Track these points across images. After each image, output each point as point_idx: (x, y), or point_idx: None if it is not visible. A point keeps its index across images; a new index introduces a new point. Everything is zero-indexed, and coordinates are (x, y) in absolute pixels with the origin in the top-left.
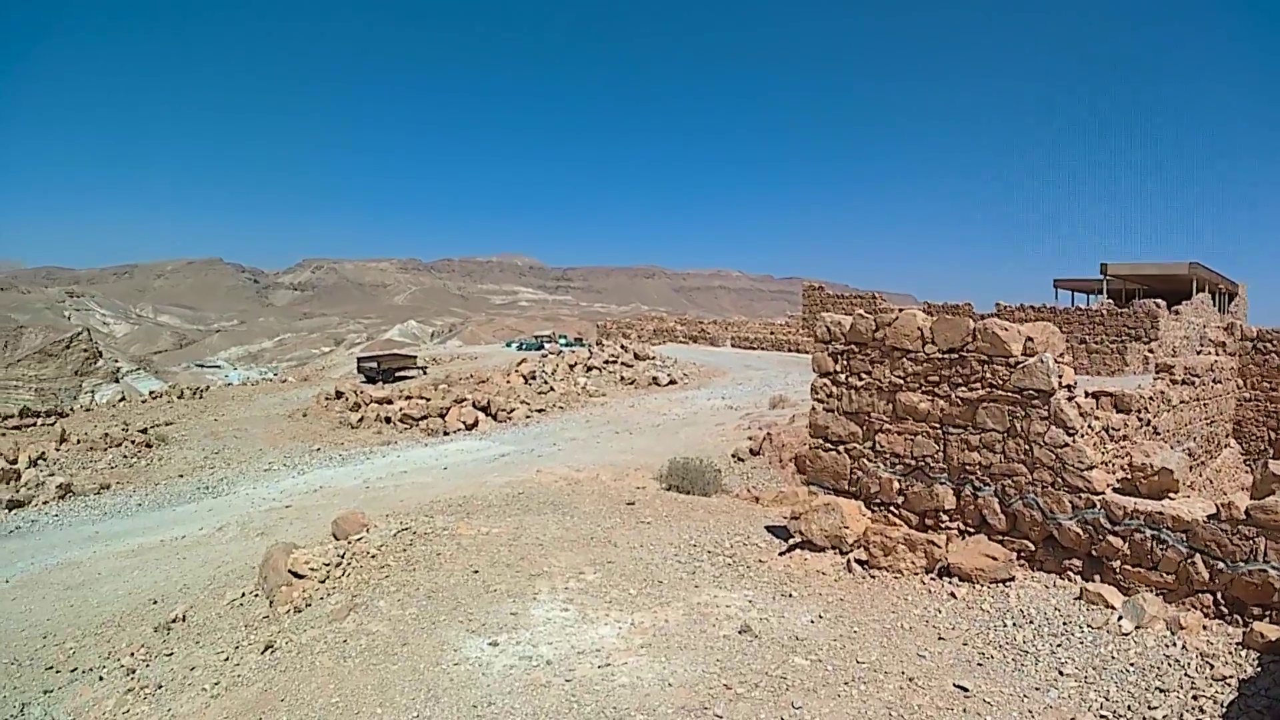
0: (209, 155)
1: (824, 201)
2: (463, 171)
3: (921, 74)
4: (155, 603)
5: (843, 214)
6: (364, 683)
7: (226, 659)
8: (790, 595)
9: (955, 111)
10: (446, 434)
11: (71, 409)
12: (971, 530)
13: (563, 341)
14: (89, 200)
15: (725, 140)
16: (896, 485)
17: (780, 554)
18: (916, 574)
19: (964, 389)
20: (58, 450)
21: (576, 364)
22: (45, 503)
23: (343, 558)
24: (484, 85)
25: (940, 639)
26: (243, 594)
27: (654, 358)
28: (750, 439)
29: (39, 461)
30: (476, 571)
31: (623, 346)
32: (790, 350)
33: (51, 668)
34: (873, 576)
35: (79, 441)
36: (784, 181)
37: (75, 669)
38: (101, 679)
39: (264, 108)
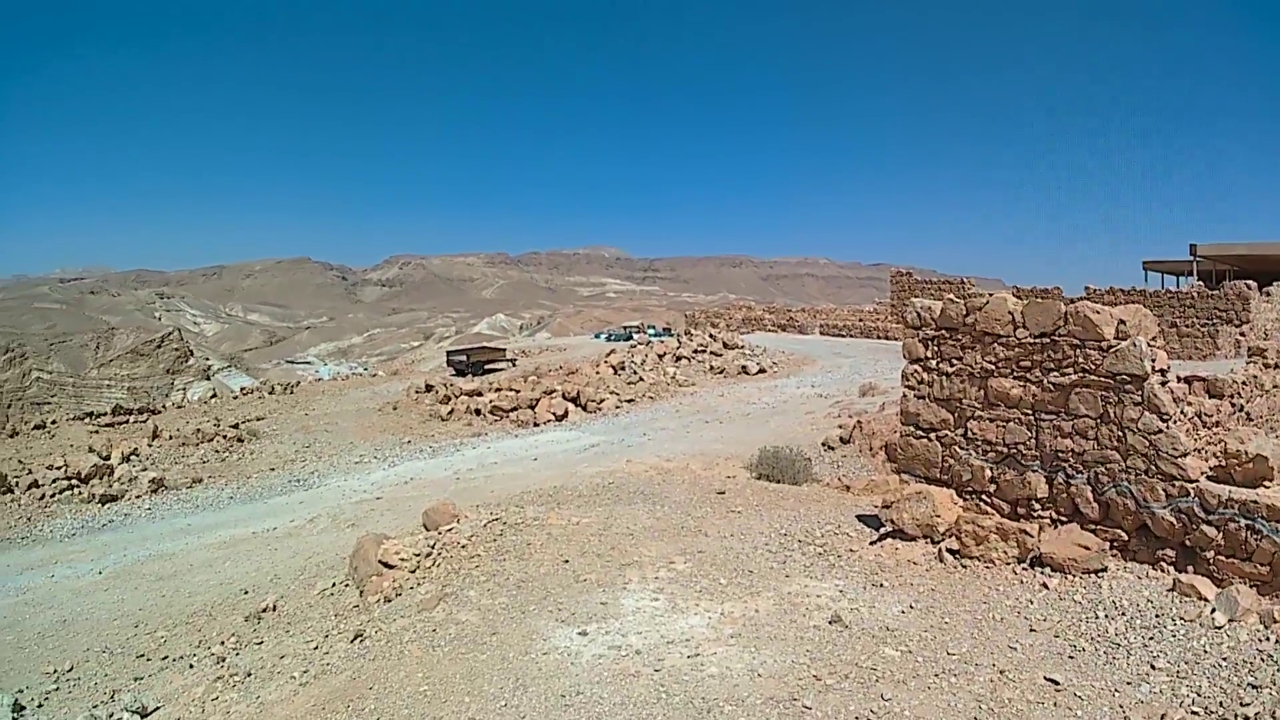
0: (297, 157)
1: (911, 187)
2: (549, 165)
3: (1007, 56)
4: (246, 593)
5: (929, 199)
6: (453, 671)
7: (316, 647)
8: (881, 585)
9: (1044, 94)
10: (536, 425)
11: (163, 406)
12: (1064, 519)
13: (651, 332)
14: (177, 204)
15: (812, 127)
16: (988, 473)
17: (871, 543)
18: (1008, 564)
19: (1056, 374)
20: (150, 446)
21: (665, 354)
22: (138, 497)
23: (433, 548)
24: (567, 80)
25: (1032, 630)
26: (333, 584)
27: (743, 346)
28: (840, 427)
29: (131, 457)
30: (567, 561)
31: (711, 336)
32: (879, 337)
33: (142, 655)
34: (964, 566)
35: (171, 437)
36: (871, 167)
37: (166, 657)
38: (192, 666)
39: (351, 107)
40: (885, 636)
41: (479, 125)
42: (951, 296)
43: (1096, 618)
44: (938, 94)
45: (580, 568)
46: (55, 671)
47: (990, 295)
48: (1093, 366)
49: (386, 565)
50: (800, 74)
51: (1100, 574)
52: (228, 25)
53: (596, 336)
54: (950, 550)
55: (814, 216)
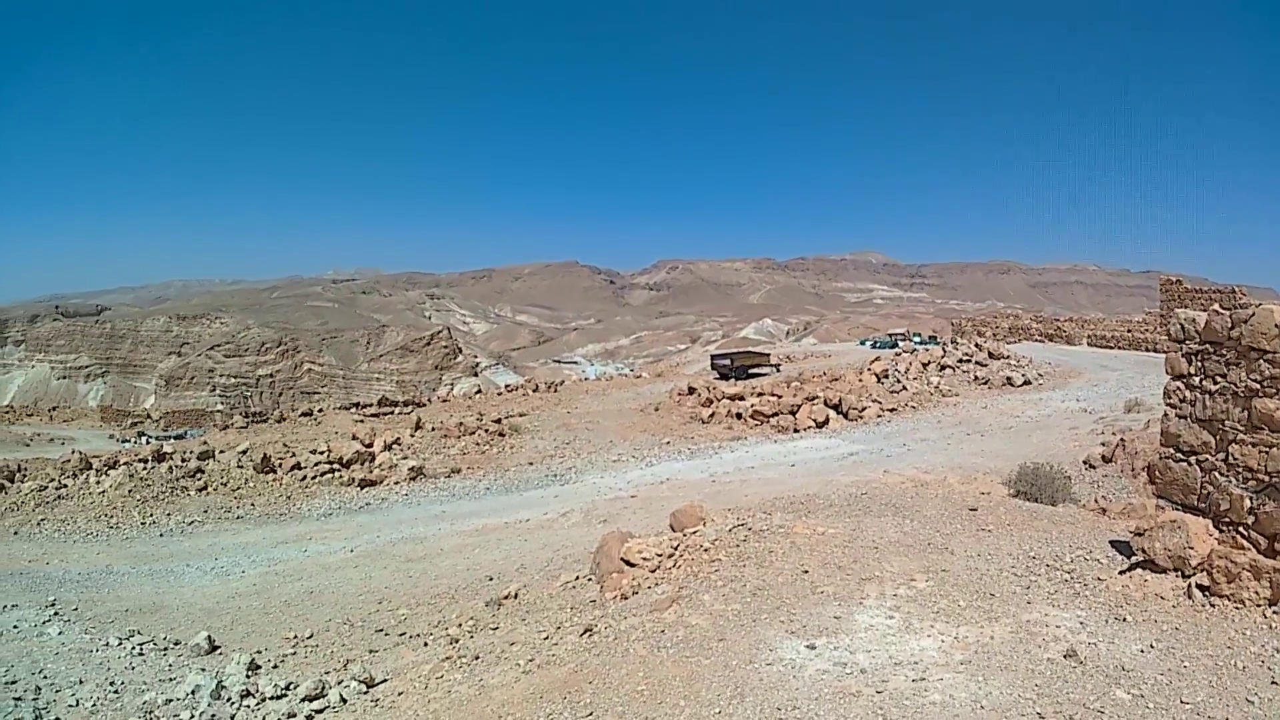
0: (567, 162)
1: (1182, 188)
2: (818, 169)
3: None
4: (491, 579)
5: (1202, 202)
6: (673, 674)
7: (546, 638)
8: (1124, 620)
9: None
10: (796, 431)
11: (429, 400)
12: None
13: (917, 340)
14: (449, 210)
15: (1075, 126)
16: (1247, 503)
17: (1120, 572)
18: (1259, 606)
19: None
20: (412, 436)
21: (930, 362)
22: (396, 483)
23: (675, 549)
24: (835, 85)
25: (1273, 683)
26: (576, 578)
27: (1008, 357)
28: (1103, 445)
29: (393, 446)
30: (806, 571)
31: (977, 345)
32: (1148, 349)
33: (381, 630)
34: (1212, 605)
35: (433, 429)
36: (1143, 167)
37: (403, 634)
38: (425, 645)
39: (619, 112)
40: (1119, 677)
41: (748, 130)
42: (1217, 308)
43: None
44: (1215, 89)
45: (819, 579)
46: (295, 637)
47: (1258, 306)
48: None
49: (628, 563)
50: (1065, 70)
51: None
52: (523, 30)
53: (862, 343)
54: (1200, 586)
55: (1084, 220)
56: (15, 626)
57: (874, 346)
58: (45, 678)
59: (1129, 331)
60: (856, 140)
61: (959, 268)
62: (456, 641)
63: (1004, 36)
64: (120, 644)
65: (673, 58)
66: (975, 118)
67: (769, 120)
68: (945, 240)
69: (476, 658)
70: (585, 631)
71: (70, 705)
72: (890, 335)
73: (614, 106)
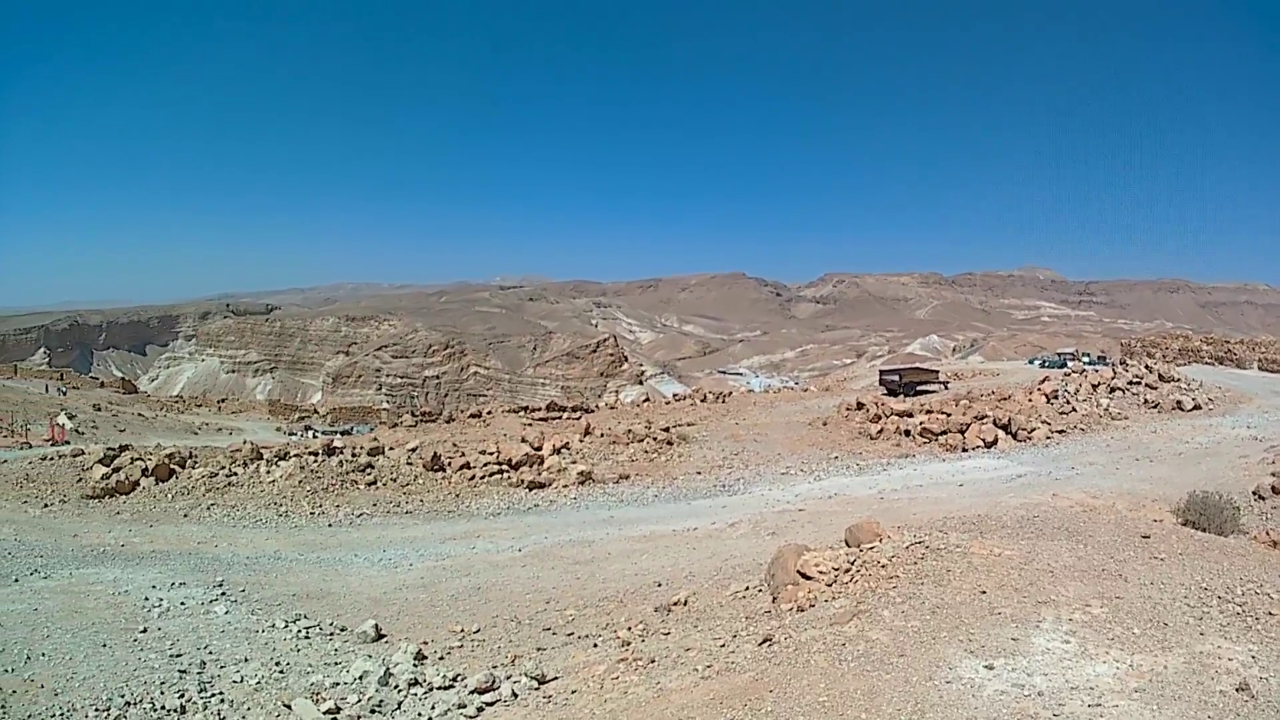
0: (735, 173)
1: None
2: (984, 183)
3: None
4: (659, 585)
5: None
6: (854, 687)
7: (723, 645)
8: None
9: None
10: (964, 450)
11: (596, 406)
12: None
13: (1085, 360)
14: (616, 220)
15: (1249, 135)
16: None
17: None
18: None
19: None
20: (581, 441)
21: (1100, 384)
22: (565, 486)
23: (852, 564)
24: (1006, 95)
25: None
26: (746, 587)
27: (1178, 379)
28: (1273, 475)
29: (562, 450)
30: (984, 592)
31: (1147, 367)
32: None
33: (549, 629)
34: None
35: (602, 435)
36: None
37: (571, 634)
38: (595, 646)
39: (788, 125)
40: None
41: (917, 141)
42: None
43: None
44: None
45: (996, 600)
46: (462, 631)
47: None
48: None
49: (804, 576)
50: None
51: None
52: (698, 32)
53: (1031, 362)
54: None
55: (1254, 237)
56: (182, 604)
57: (1042, 366)
58: (210, 653)
59: None
60: (1025, 152)
61: (1127, 286)
62: (628, 644)
63: (1196, 45)
64: (286, 626)
65: (842, 67)
66: (1157, 130)
67: (938, 130)
68: (1114, 256)
69: (652, 661)
70: (764, 641)
71: (234, 681)
72: (1059, 354)
73: (783, 119)
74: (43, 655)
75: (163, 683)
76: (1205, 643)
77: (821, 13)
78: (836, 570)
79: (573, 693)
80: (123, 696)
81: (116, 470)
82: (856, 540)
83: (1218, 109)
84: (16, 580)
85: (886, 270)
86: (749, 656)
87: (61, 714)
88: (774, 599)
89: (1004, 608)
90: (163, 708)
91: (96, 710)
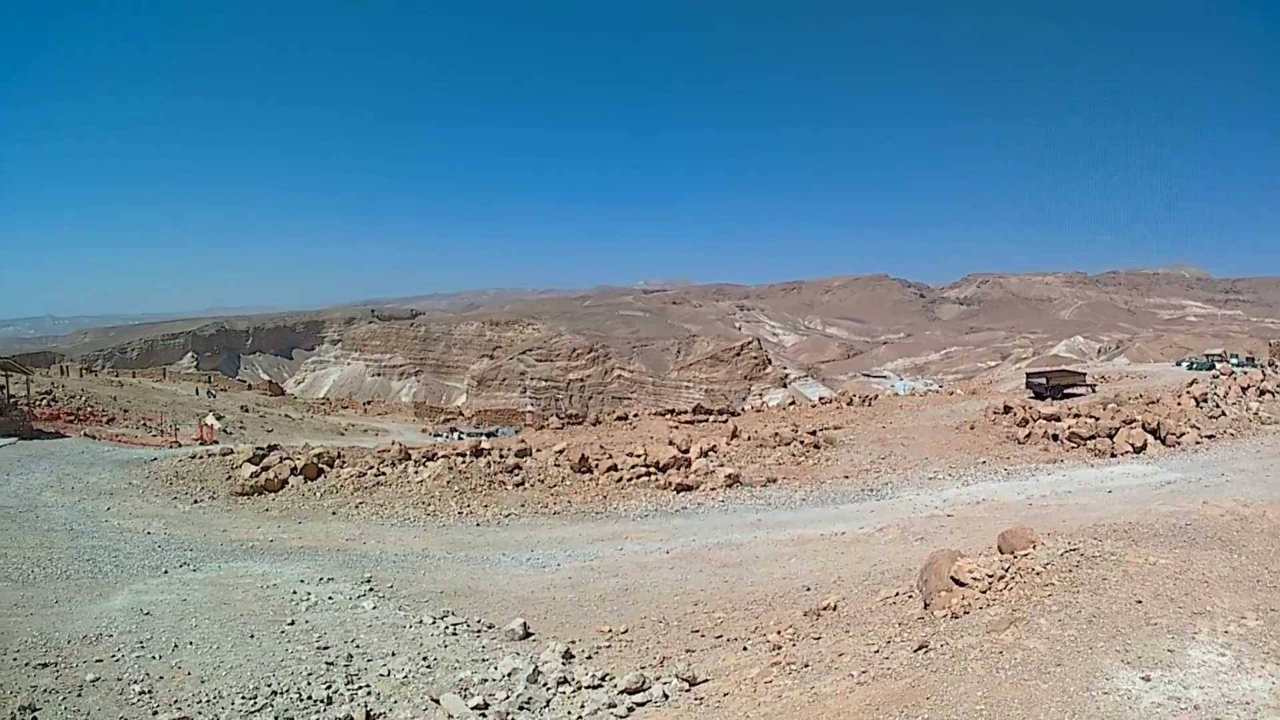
0: (877, 174)
1: None
2: (1127, 178)
3: None
4: (808, 589)
5: None
6: (1011, 695)
7: (876, 650)
8: None
9: None
10: (1113, 455)
11: (741, 409)
12: None
13: (1234, 361)
14: (759, 223)
15: None
16: None
17: None
18: None
19: None
20: (728, 444)
21: (1249, 386)
22: (712, 489)
23: (1006, 571)
24: (1154, 92)
25: None
26: (896, 593)
27: None
28: None
29: (709, 453)
30: (1140, 602)
31: None
32: None
33: (697, 632)
34: None
35: (749, 438)
36: None
37: (720, 636)
38: (745, 649)
39: (934, 126)
40: None
41: (1061, 139)
42: None
43: None
44: None
45: (1152, 610)
46: (610, 631)
47: None
48: None
49: (957, 582)
50: None
51: None
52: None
53: (1178, 364)
54: None
55: None
56: (330, 598)
57: (1190, 368)
58: (358, 647)
59: None
60: (1171, 146)
61: (1275, 283)
62: (779, 649)
63: None
64: (434, 622)
65: (988, 67)
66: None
67: (1081, 128)
68: (1262, 252)
69: (805, 665)
70: (920, 648)
71: (381, 674)
72: (1207, 356)
73: (926, 121)
74: (190, 643)
75: (310, 673)
76: None
77: (976, 11)
78: (991, 577)
79: (725, 695)
80: (269, 686)
81: (266, 469)
82: (1010, 547)
83: None
84: (166, 572)
85: (1030, 270)
86: (904, 663)
87: (208, 700)
88: (926, 605)
89: (1160, 618)
90: (309, 698)
91: (243, 698)
